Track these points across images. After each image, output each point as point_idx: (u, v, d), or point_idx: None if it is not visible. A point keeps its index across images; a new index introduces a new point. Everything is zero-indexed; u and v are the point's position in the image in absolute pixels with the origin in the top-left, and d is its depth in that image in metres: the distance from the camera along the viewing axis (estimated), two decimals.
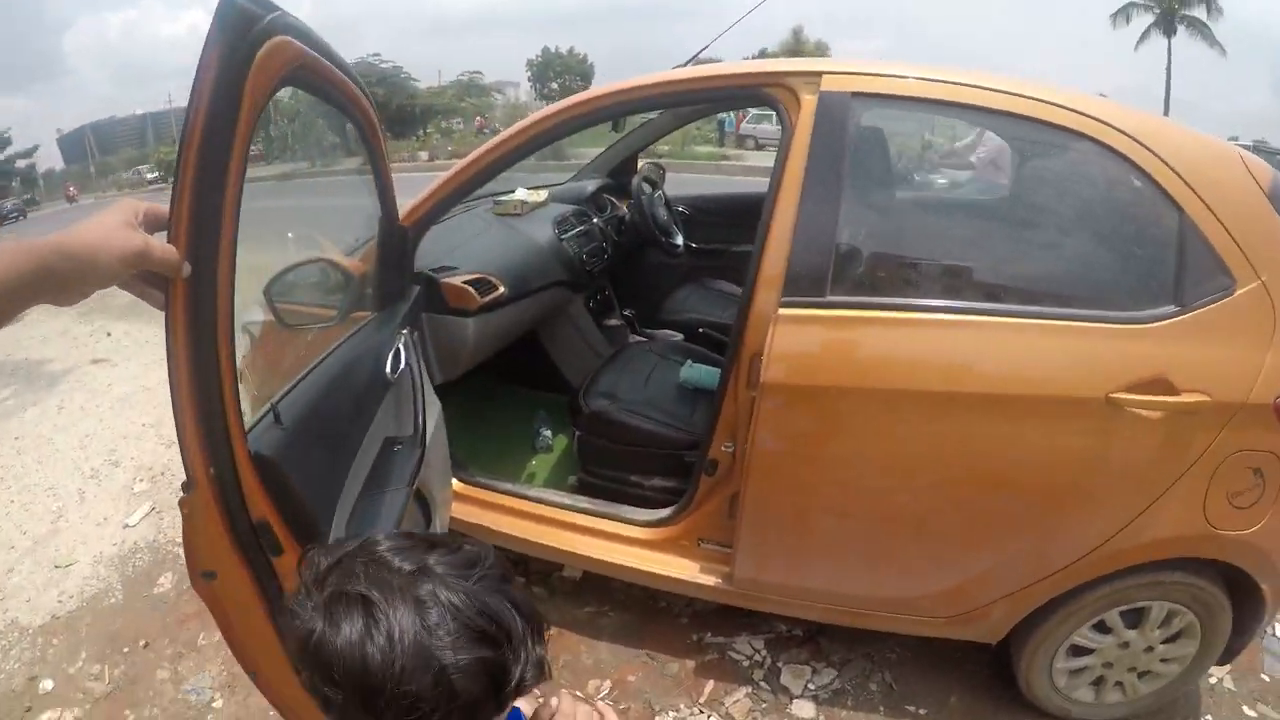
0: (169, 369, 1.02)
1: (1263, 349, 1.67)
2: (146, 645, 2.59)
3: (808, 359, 1.86)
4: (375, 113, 1.67)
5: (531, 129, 2.19)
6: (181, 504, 1.10)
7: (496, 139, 2.25)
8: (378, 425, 1.67)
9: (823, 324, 1.84)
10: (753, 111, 20.02)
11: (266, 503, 1.19)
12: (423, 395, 1.87)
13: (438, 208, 2.30)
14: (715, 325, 3.28)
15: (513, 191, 3.38)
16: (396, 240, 2.08)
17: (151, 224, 0.93)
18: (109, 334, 7.38)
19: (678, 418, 2.52)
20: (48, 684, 2.43)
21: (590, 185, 3.76)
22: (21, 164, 31.69)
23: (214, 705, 2.33)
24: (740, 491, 2.03)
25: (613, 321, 3.68)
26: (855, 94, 1.89)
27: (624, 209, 3.76)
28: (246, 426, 1.17)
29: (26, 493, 3.87)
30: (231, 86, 0.99)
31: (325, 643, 0.66)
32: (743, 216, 3.33)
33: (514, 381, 3.50)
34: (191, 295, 0.99)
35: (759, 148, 19.80)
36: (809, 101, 1.90)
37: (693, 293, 3.62)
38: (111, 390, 5.67)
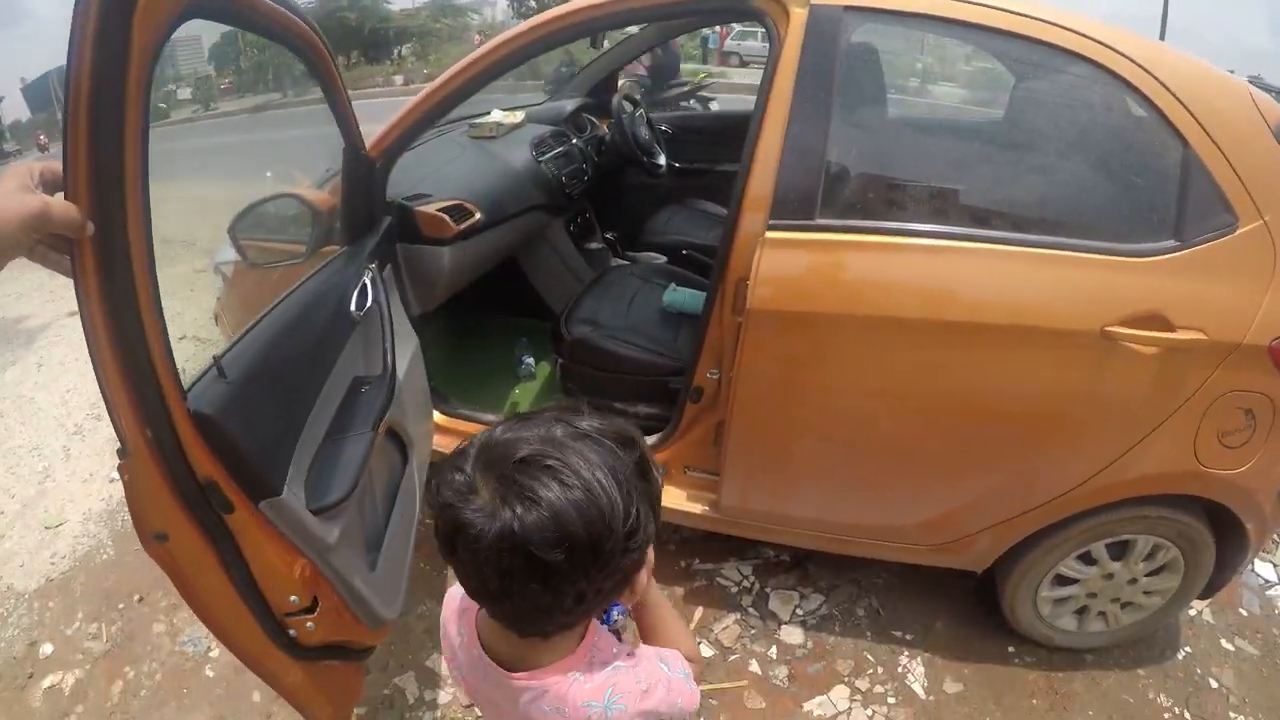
0: (86, 337, 0.94)
1: (1262, 290, 1.62)
2: (141, 600, 2.56)
3: (795, 283, 1.79)
4: (320, 37, 1.56)
5: (503, 48, 2.07)
6: (120, 470, 1.05)
7: (465, 60, 2.12)
8: (343, 366, 1.61)
9: (811, 248, 1.77)
10: (737, 28, 19.63)
11: (212, 462, 1.14)
12: (391, 331, 1.79)
13: (407, 134, 2.19)
14: (699, 247, 3.20)
15: (488, 114, 3.26)
16: (363, 170, 1.98)
17: (50, 184, 0.86)
18: None
19: (662, 343, 2.47)
20: (47, 648, 2.41)
21: (569, 105, 3.63)
22: None
23: (211, 655, 2.31)
24: (725, 419, 1.99)
25: (594, 245, 3.58)
26: (848, 8, 1.78)
27: (605, 129, 3.64)
28: (187, 384, 1.12)
29: (12, 455, 3.79)
30: (116, 24, 0.89)
31: (525, 522, 0.69)
32: (727, 135, 3.23)
33: (495, 309, 3.43)
34: (101, 254, 0.91)
35: (744, 65, 19.33)
36: (799, 15, 1.79)
37: (676, 214, 3.53)
38: None
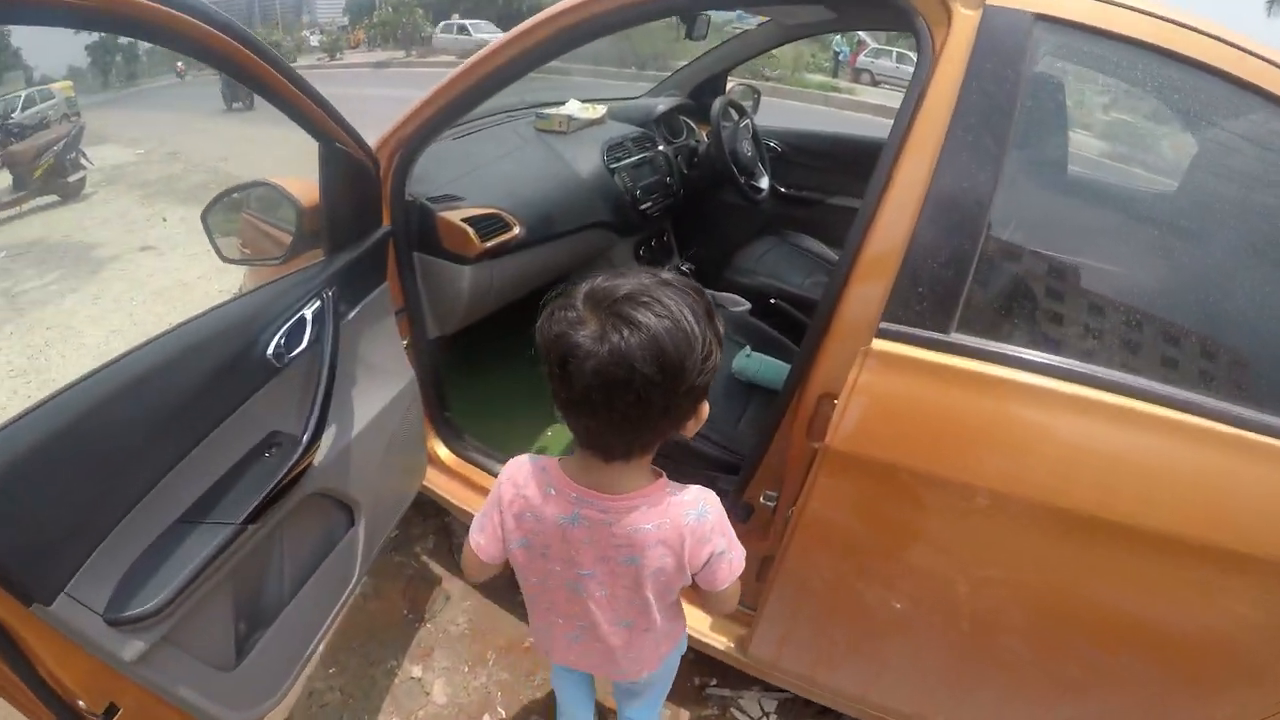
0: None
1: None
2: None
3: (902, 426, 1.24)
4: (226, 28, 1.20)
5: (542, 29, 1.59)
6: None
7: (495, 44, 1.66)
8: (241, 424, 1.31)
9: (937, 378, 1.19)
10: (872, 43, 18.81)
11: None
12: (327, 382, 1.39)
13: (430, 125, 1.77)
14: (792, 298, 2.61)
15: (563, 103, 2.75)
16: (351, 170, 1.58)
17: None
18: (165, 219, 7.30)
19: (717, 423, 1.91)
20: None
21: (662, 104, 3.08)
22: (124, 39, 31.85)
23: None
24: (776, 560, 1.47)
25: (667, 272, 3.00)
26: (1042, 17, 1.21)
27: (702, 137, 3.09)
28: None
29: (44, 389, 3.55)
30: None
31: (629, 342, 0.85)
32: (849, 164, 2.92)
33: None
34: None
35: (875, 84, 18.49)
36: (966, 19, 1.24)
37: (771, 249, 2.94)
38: (150, 282, 5.56)
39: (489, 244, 1.94)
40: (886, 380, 1.21)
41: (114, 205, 8.22)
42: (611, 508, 1.03)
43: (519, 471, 1.11)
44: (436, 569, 2.33)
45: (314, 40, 27.39)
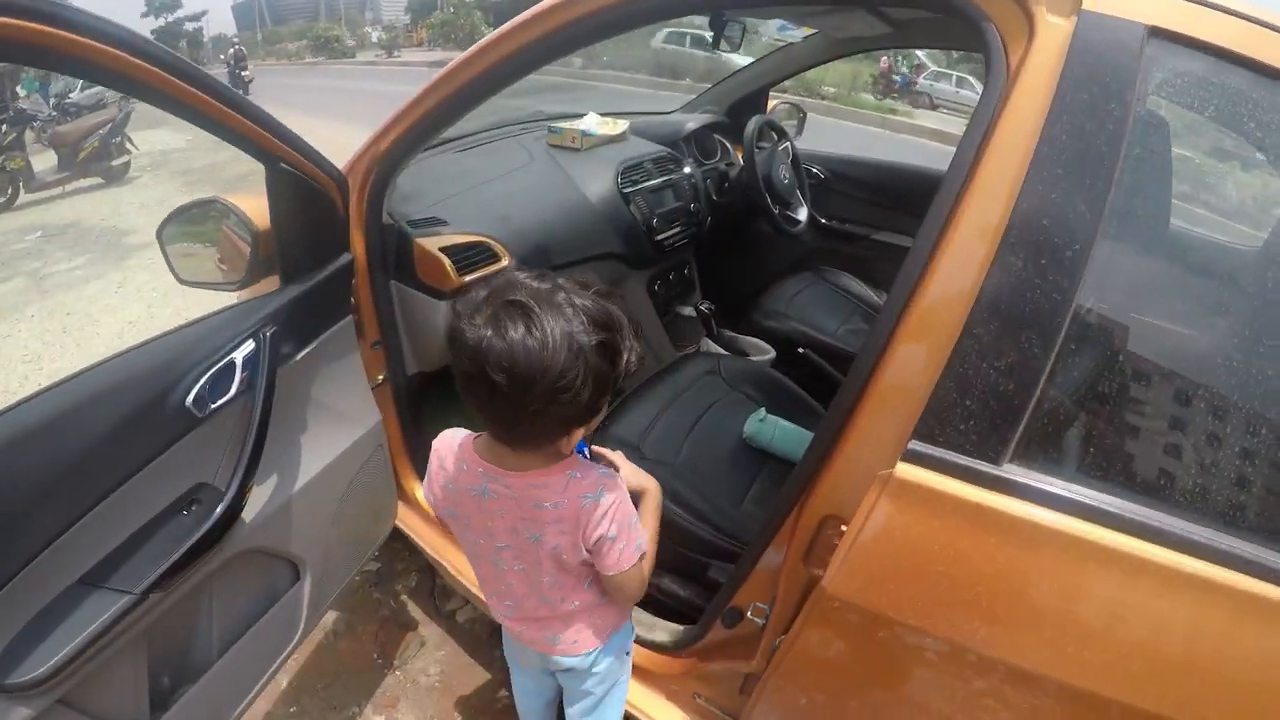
0: None
1: None
2: None
3: (925, 582, 0.94)
4: (138, 46, 1.02)
5: (529, 29, 1.34)
6: None
7: (477, 47, 1.42)
8: (158, 479, 1.21)
9: (979, 524, 0.89)
10: (932, 67, 18.34)
11: None
12: (254, 436, 1.27)
13: (402, 145, 1.57)
14: (824, 349, 2.33)
15: (580, 116, 2.50)
16: (307, 194, 1.41)
17: None
18: None
19: (719, 497, 1.66)
20: None
21: (693, 122, 2.80)
22: (190, 27, 32.86)
23: None
24: (759, 686, 1.23)
25: (686, 310, 2.73)
26: (1158, 31, 0.91)
27: (736, 159, 2.82)
28: None
29: (54, 377, 3.58)
30: None
31: (492, 344, 0.88)
32: (897, 195, 2.74)
33: None
34: None
35: (933, 108, 18.01)
36: (1054, 31, 0.94)
37: (805, 288, 2.65)
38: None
39: (469, 277, 1.71)
40: (909, 518, 0.92)
41: (155, 191, 8.27)
42: (514, 484, 1.06)
43: (441, 444, 1.15)
44: (414, 611, 2.19)
45: (374, 37, 27.68)
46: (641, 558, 1.13)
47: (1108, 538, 0.84)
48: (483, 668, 2.01)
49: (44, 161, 8.97)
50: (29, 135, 9.64)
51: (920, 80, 18.66)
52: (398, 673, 2.01)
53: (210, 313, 1.33)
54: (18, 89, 15.54)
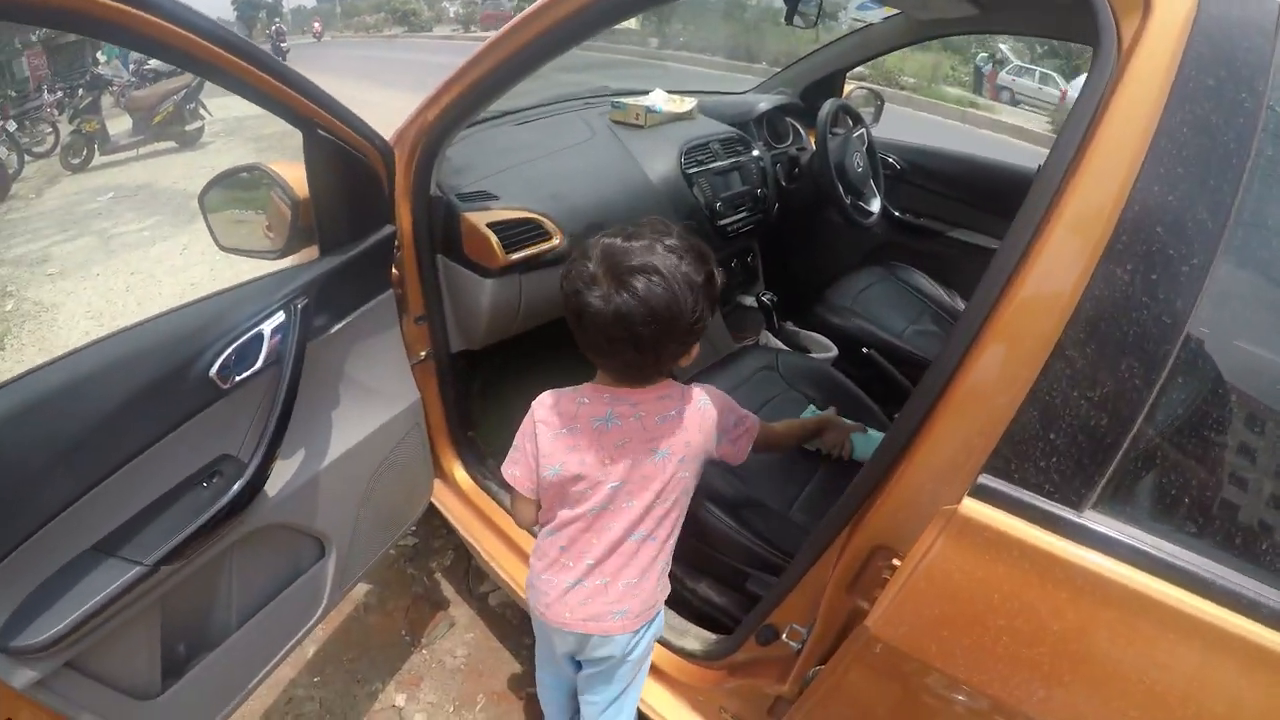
0: None
1: None
2: None
3: (985, 635, 0.82)
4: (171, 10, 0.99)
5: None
6: None
7: (529, 11, 1.31)
8: (177, 450, 1.18)
9: (1052, 577, 0.77)
10: (1015, 61, 17.73)
11: None
12: (280, 410, 1.24)
13: (451, 116, 1.49)
14: (890, 350, 2.19)
15: (646, 93, 2.38)
16: (347, 162, 1.35)
17: None
18: None
19: (764, 504, 1.56)
20: None
21: (765, 102, 2.67)
22: None
23: None
24: (791, 711, 1.15)
25: (747, 300, 2.61)
26: None
27: (808, 144, 2.68)
28: None
29: None
30: None
31: (631, 307, 1.01)
32: (976, 191, 2.61)
33: None
34: None
35: (1015, 103, 17.43)
36: (1176, 3, 0.80)
37: (874, 284, 2.51)
38: None
39: (517, 255, 1.62)
40: (971, 560, 0.80)
41: (227, 156, 8.44)
42: (641, 400, 1.16)
43: (548, 396, 1.21)
44: (447, 590, 2.16)
45: (453, 10, 27.81)
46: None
47: (1193, 604, 0.71)
48: (510, 654, 1.97)
49: (120, 125, 9.26)
50: (107, 100, 9.93)
51: (1002, 74, 18.09)
52: (424, 651, 1.98)
53: (240, 282, 1.29)
54: (98, 54, 16.07)
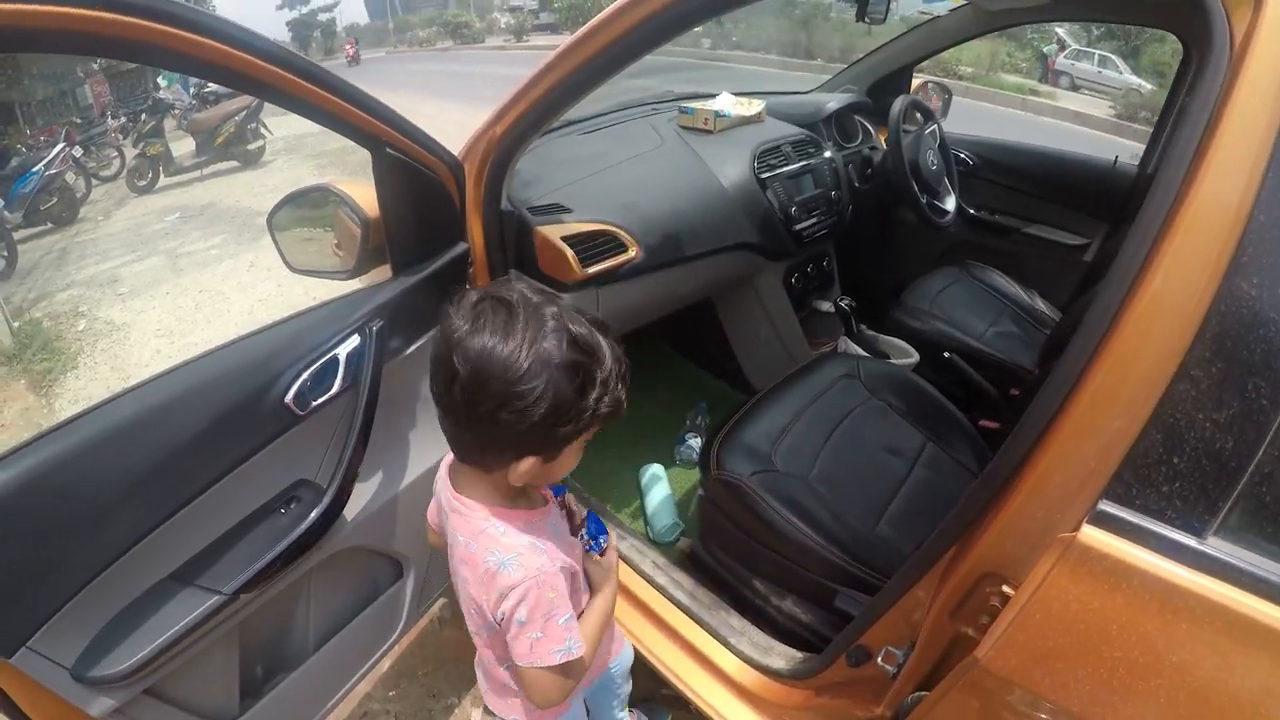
0: None
1: None
2: None
3: (1094, 663, 0.78)
4: (232, 41, 0.98)
5: (641, 6, 1.20)
6: None
7: (601, 17, 1.27)
8: (255, 477, 1.18)
9: (1168, 602, 0.73)
10: (1073, 45, 17.25)
11: None
12: (357, 436, 1.23)
13: (520, 128, 1.45)
14: (971, 354, 2.12)
15: (713, 96, 2.34)
16: (418, 181, 1.34)
17: None
18: None
19: (852, 518, 1.51)
20: None
21: (833, 102, 2.60)
22: (323, 17, 34.03)
23: None
24: None
25: (824, 305, 2.55)
26: None
27: (879, 143, 2.61)
28: None
29: (185, 351, 3.81)
30: None
31: (464, 333, 0.84)
32: (1052, 185, 2.53)
33: (678, 346, 2.54)
34: None
35: (1075, 88, 16.96)
36: None
37: (951, 284, 2.43)
38: None
39: (594, 269, 1.59)
40: (1089, 591, 0.76)
41: (288, 174, 8.62)
42: (450, 501, 1.01)
43: (442, 468, 1.09)
44: None
45: (504, 22, 27.99)
46: (567, 663, 0.97)
47: None
48: None
49: (183, 147, 9.53)
50: (169, 123, 10.21)
51: (1060, 59, 17.63)
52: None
53: (314, 305, 1.29)
54: (159, 79, 16.56)
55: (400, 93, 12.11)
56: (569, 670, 0.99)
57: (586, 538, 1.10)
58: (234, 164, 9.23)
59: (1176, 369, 0.73)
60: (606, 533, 1.12)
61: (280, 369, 1.17)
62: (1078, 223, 2.51)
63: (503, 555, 0.94)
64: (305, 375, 1.18)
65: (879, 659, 1.18)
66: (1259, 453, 0.70)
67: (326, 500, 1.19)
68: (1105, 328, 0.78)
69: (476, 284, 1.59)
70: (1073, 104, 12.91)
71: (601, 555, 1.11)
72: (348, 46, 23.43)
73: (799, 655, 1.45)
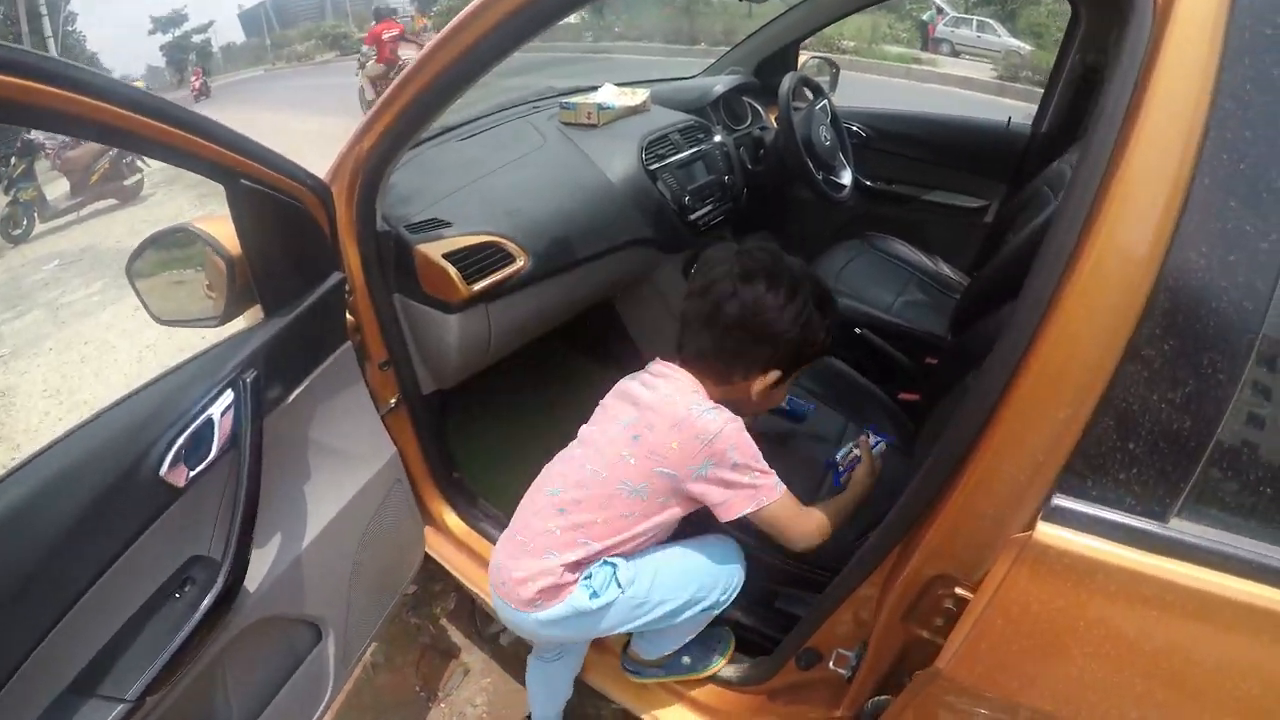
0: None
1: None
2: None
3: (1063, 661, 0.76)
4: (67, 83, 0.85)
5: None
6: None
7: (466, 13, 1.17)
8: (141, 564, 1.06)
9: (1134, 591, 0.70)
10: (951, 12, 17.74)
11: None
12: (245, 503, 1.10)
13: (389, 141, 1.35)
14: (882, 327, 2.09)
15: (594, 89, 2.26)
16: (278, 211, 1.22)
17: None
18: None
19: None
20: None
21: (720, 85, 2.55)
22: (198, 39, 32.58)
23: None
24: None
25: None
26: None
27: (770, 122, 2.57)
28: None
29: (74, 411, 3.78)
30: None
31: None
32: (945, 150, 2.57)
33: (583, 351, 2.48)
34: None
35: (955, 54, 17.45)
36: None
37: (854, 258, 2.40)
38: None
39: (480, 285, 1.50)
40: (1051, 590, 0.72)
41: (168, 208, 8.25)
42: (651, 370, 1.23)
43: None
44: (455, 636, 2.04)
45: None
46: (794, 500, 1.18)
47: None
48: None
49: (58, 189, 9.01)
50: (42, 164, 9.63)
51: (940, 26, 18.10)
52: (442, 705, 1.88)
53: (180, 362, 1.16)
54: None
55: (282, 111, 11.75)
56: (799, 505, 1.18)
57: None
58: (112, 202, 8.76)
59: (1123, 349, 0.68)
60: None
61: (152, 439, 1.05)
62: (975, 185, 2.53)
63: (702, 406, 1.12)
64: (179, 443, 1.06)
65: (830, 662, 1.16)
66: (1218, 429, 0.67)
67: (223, 575, 1.08)
68: (1042, 311, 0.73)
69: (359, 313, 1.49)
70: (956, 69, 13.31)
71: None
72: (194, 79, 20.64)
73: (745, 659, 1.42)
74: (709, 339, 1.14)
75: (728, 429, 1.10)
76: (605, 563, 1.18)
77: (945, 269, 2.45)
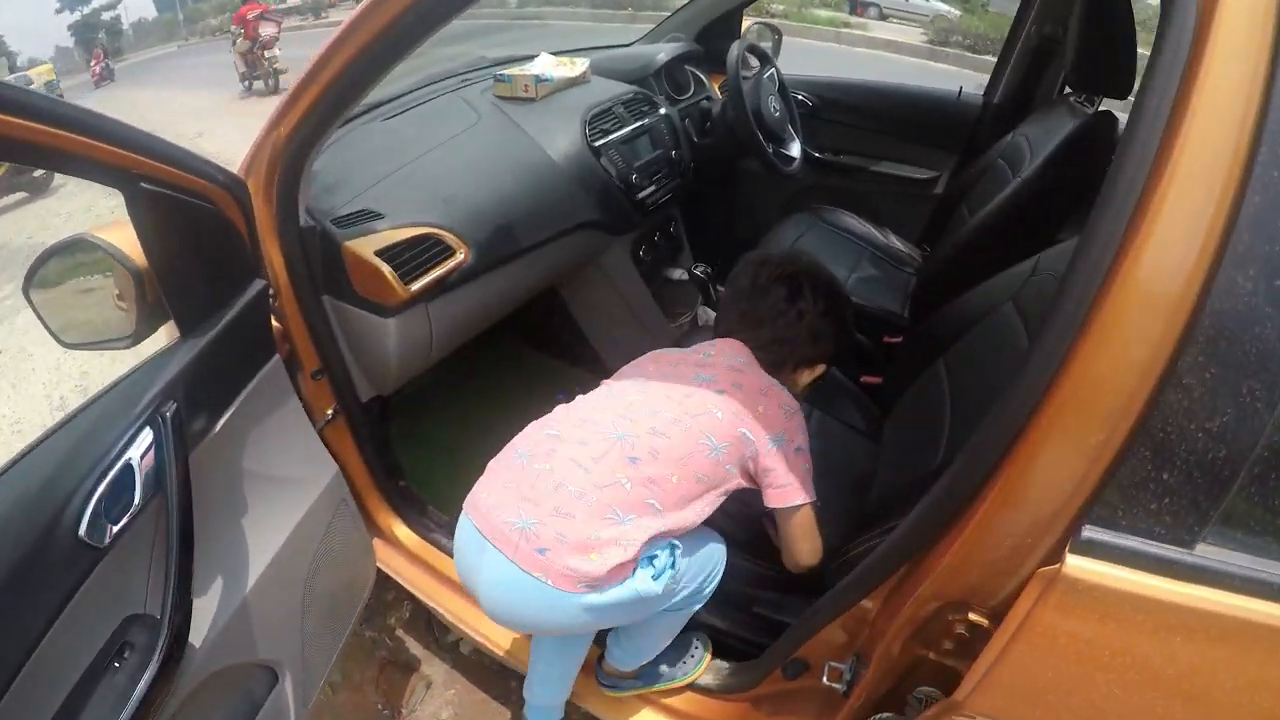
0: None
1: None
2: None
3: (1087, 691, 0.74)
4: None
5: None
6: None
7: None
8: (71, 636, 0.93)
9: (1161, 619, 0.68)
10: None
11: None
12: (177, 553, 0.98)
13: (311, 125, 1.21)
14: None
15: (530, 59, 2.13)
16: (186, 215, 1.06)
17: None
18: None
19: (756, 513, 1.37)
20: None
21: (663, 54, 2.44)
22: (107, 16, 30.83)
23: None
24: None
25: (677, 274, 2.39)
26: None
27: (715, 93, 2.47)
28: None
29: None
30: None
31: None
32: (893, 120, 2.55)
33: (527, 341, 2.39)
34: None
35: (883, 18, 17.55)
36: None
37: (804, 232, 2.33)
38: None
39: (419, 284, 1.38)
40: (1080, 623, 0.70)
41: (81, 199, 7.82)
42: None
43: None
44: (414, 647, 1.96)
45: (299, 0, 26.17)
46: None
47: None
48: (498, 702, 1.81)
49: None
50: None
51: None
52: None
53: (92, 396, 1.03)
54: None
55: (196, 91, 11.29)
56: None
57: None
58: (21, 195, 8.29)
59: (1161, 376, 0.64)
60: None
61: (67, 495, 0.92)
62: (925, 156, 2.49)
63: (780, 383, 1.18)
64: (97, 494, 0.94)
65: (824, 676, 1.11)
66: (1251, 457, 0.63)
67: (164, 634, 0.97)
68: (1071, 335, 0.67)
69: (286, 319, 1.36)
70: (885, 33, 13.38)
71: None
72: (94, 63, 18.68)
73: (726, 666, 1.38)
74: (767, 334, 1.21)
75: (800, 412, 1.16)
76: (671, 544, 1.07)
77: (896, 241, 2.42)
